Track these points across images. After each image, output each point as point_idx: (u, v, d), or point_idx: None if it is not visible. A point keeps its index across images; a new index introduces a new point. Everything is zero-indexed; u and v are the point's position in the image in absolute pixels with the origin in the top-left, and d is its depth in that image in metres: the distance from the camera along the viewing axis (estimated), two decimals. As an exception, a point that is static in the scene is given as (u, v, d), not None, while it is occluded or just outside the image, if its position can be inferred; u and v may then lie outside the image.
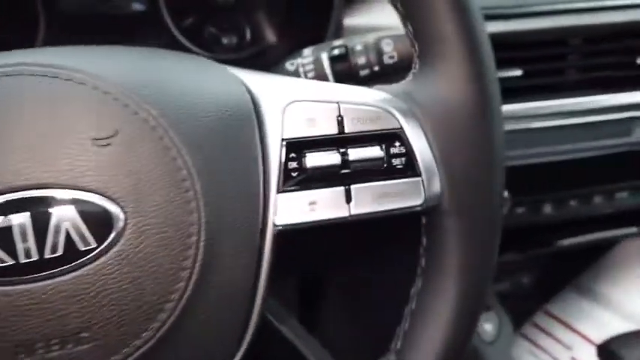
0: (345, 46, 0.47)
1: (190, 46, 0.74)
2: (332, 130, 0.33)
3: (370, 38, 0.47)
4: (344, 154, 0.33)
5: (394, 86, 0.35)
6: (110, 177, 0.27)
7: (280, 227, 0.32)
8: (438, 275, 0.35)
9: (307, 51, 0.49)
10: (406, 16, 0.34)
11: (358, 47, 0.47)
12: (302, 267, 0.34)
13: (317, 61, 0.48)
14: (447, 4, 0.33)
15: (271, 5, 0.75)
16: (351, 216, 0.33)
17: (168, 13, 0.73)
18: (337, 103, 0.33)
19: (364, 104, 0.33)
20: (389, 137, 0.33)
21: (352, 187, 0.33)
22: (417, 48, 0.35)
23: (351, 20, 0.63)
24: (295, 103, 0.33)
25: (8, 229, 0.26)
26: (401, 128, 0.33)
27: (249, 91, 0.34)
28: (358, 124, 0.33)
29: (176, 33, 0.73)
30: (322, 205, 0.33)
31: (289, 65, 0.49)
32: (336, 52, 0.47)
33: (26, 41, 0.69)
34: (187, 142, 0.30)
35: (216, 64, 0.37)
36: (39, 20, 0.69)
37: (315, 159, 0.33)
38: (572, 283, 1.00)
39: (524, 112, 0.65)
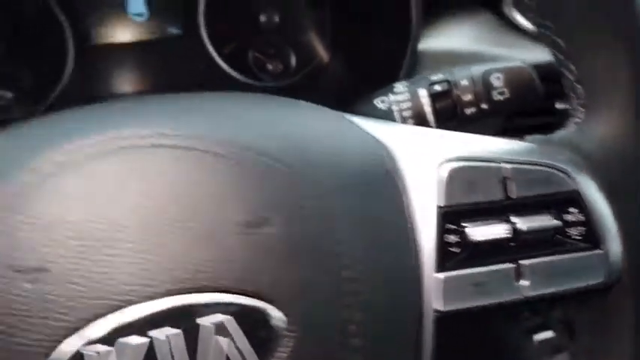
0: (448, 81, 0.42)
1: (233, 74, 0.68)
2: (495, 195, 0.28)
3: (476, 71, 0.42)
4: (511, 224, 0.28)
5: (555, 138, 0.30)
6: (271, 273, 0.21)
7: (442, 313, 0.26)
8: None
9: (400, 86, 0.43)
10: (570, 56, 0.29)
11: (463, 82, 0.42)
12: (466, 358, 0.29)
13: (414, 98, 0.42)
14: (626, 44, 0.28)
15: (320, 23, 0.69)
16: (525, 297, 0.27)
17: (209, 37, 0.67)
18: (499, 162, 0.28)
19: (531, 163, 0.28)
20: (564, 202, 0.28)
21: (522, 262, 0.28)
22: (579, 93, 0.30)
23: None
24: (449, 163, 0.27)
25: (151, 350, 0.20)
26: (577, 190, 0.28)
27: (388, 149, 0.28)
28: (526, 188, 0.28)
29: (218, 59, 0.67)
30: (489, 286, 0.27)
31: (379, 103, 0.43)
32: (437, 87, 0.42)
33: (55, 71, 0.63)
34: (344, 222, 0.24)
35: (335, 114, 0.31)
36: (68, 49, 0.63)
37: (478, 231, 0.27)
38: None
39: None
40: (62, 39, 0.62)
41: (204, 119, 0.26)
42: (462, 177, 0.27)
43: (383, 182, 0.26)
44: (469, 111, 0.42)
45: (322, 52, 0.69)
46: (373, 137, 0.29)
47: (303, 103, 0.32)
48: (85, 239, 0.20)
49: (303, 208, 0.23)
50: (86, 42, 0.63)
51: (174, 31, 0.66)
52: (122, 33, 0.64)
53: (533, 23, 0.29)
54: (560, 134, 0.30)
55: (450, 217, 0.27)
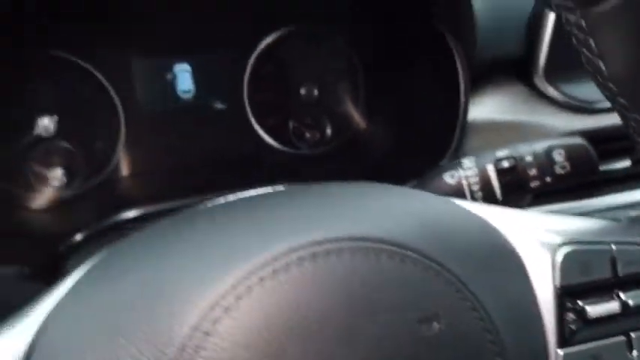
0: (514, 157, 0.45)
1: (274, 144, 0.71)
2: (605, 274, 0.30)
3: (539, 147, 0.45)
4: (620, 300, 0.30)
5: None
6: None
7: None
8: None
9: (468, 162, 0.46)
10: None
11: (528, 158, 0.45)
12: None
13: (483, 173, 0.46)
14: None
15: (356, 94, 0.73)
16: (637, 368, 0.30)
17: (252, 111, 0.70)
18: (608, 243, 0.30)
19: (633, 243, 0.31)
20: (665, 276, 0.31)
21: (632, 335, 0.30)
22: None
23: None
24: (564, 247, 0.30)
25: None
26: None
27: (502, 232, 0.31)
28: (631, 265, 0.31)
29: (260, 131, 0.70)
30: (605, 358, 0.29)
31: (449, 178, 0.46)
32: (504, 164, 0.45)
33: (107, 148, 0.65)
34: (496, 318, 0.26)
35: (445, 200, 0.34)
36: (119, 126, 0.65)
37: (592, 308, 0.30)
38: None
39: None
40: (114, 116, 0.64)
41: (368, 218, 0.28)
42: (576, 259, 0.30)
43: (514, 265, 0.29)
44: (534, 184, 0.46)
45: (358, 121, 0.73)
46: (488, 222, 0.31)
47: (409, 191, 0.35)
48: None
49: (460, 300, 0.25)
50: (137, 119, 0.65)
51: (219, 106, 0.69)
52: (171, 109, 0.67)
53: (607, 99, 0.32)
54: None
55: (567, 296, 0.30)
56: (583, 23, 0.29)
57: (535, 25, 0.61)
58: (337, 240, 0.25)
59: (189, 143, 0.68)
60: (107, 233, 0.55)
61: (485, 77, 0.64)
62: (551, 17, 0.59)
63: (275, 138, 0.71)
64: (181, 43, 0.66)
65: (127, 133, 0.65)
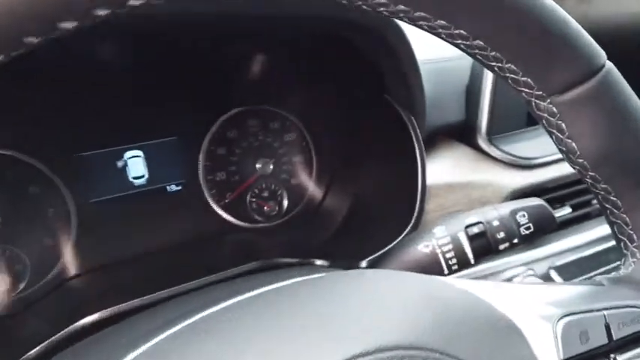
0: (482, 223, 0.48)
1: (234, 221, 0.70)
2: (602, 339, 0.32)
3: (504, 211, 0.48)
4: (616, 361, 0.32)
5: (625, 278, 0.36)
6: None
7: None
8: None
9: (440, 230, 0.48)
10: (627, 211, 0.35)
11: (495, 223, 0.48)
12: None
13: (455, 241, 0.48)
14: None
15: (310, 166, 0.74)
16: None
17: (209, 191, 0.69)
18: (601, 310, 0.33)
19: (627, 306, 0.33)
20: (654, 334, 0.33)
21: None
22: (635, 239, 0.36)
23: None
24: (565, 318, 0.32)
25: None
26: None
27: (507, 312, 0.32)
28: (625, 328, 0.33)
29: (219, 210, 0.69)
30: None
31: (424, 247, 0.48)
32: (475, 230, 0.48)
33: (60, 238, 0.61)
34: None
35: (441, 281, 0.35)
36: (70, 217, 0.61)
37: (593, 375, 0.31)
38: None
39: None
40: (64, 211, 0.61)
41: (401, 323, 0.28)
42: (574, 330, 0.32)
43: (520, 342, 0.30)
44: (502, 246, 0.48)
45: (314, 193, 0.74)
46: (494, 306, 0.32)
47: (402, 275, 0.36)
48: None
49: None
50: (89, 211, 0.62)
51: (174, 188, 0.67)
52: (124, 197, 0.64)
53: (579, 173, 0.36)
54: (627, 273, 0.36)
55: (571, 366, 0.31)
56: (554, 109, 0.32)
57: (473, 92, 0.66)
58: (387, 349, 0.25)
59: (147, 230, 0.65)
60: (65, 344, 0.50)
61: (430, 142, 0.68)
62: (488, 86, 0.65)
63: (234, 215, 0.71)
64: (131, 130, 0.64)
65: (79, 226, 0.61)
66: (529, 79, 0.31)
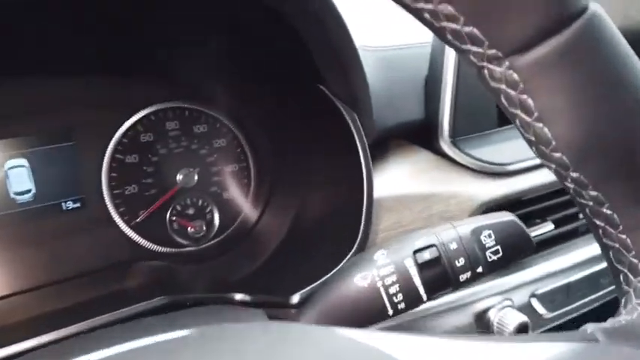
0: (435, 246, 0.36)
1: (149, 245, 0.58)
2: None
3: (464, 231, 0.37)
4: None
5: (622, 328, 0.24)
6: None
7: None
8: None
9: (380, 257, 0.37)
10: (627, 230, 0.24)
11: (453, 246, 0.36)
12: None
13: (401, 270, 0.36)
14: None
15: (245, 176, 0.62)
16: None
17: (116, 208, 0.56)
18: None
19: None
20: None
21: None
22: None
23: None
24: None
25: None
26: None
27: None
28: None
29: (128, 231, 0.57)
30: None
31: (361, 280, 0.36)
32: (426, 255, 0.36)
33: None
34: None
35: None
36: None
37: None
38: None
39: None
40: None
41: None
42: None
43: None
44: (463, 277, 0.37)
45: (249, 211, 0.62)
46: None
47: (307, 331, 0.24)
48: None
49: None
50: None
51: (70, 205, 0.55)
52: (4, 217, 0.52)
53: (556, 175, 0.24)
54: (630, 321, 0.25)
55: None
56: (515, 76, 0.21)
57: (433, 85, 0.55)
58: None
59: (38, 258, 0.53)
60: None
61: (383, 145, 0.57)
62: (450, 78, 0.53)
63: (148, 237, 0.58)
64: (11, 133, 0.52)
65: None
66: (475, 31, 0.20)
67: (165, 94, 0.59)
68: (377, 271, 0.36)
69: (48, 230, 0.54)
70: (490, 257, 0.36)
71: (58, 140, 0.54)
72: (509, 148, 0.57)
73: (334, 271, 0.43)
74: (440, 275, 0.36)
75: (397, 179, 0.54)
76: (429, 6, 0.20)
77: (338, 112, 0.49)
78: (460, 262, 0.36)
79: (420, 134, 0.58)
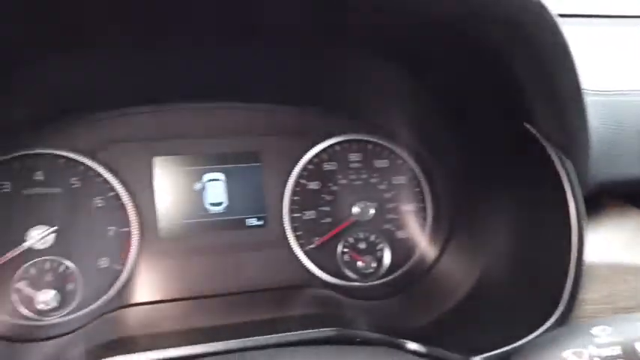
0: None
1: (318, 273, 0.57)
2: None
3: None
4: None
5: None
6: None
7: None
8: None
9: (604, 334, 0.30)
10: None
11: None
12: None
13: (629, 355, 0.29)
14: None
15: (423, 215, 0.59)
16: None
17: (294, 231, 0.57)
18: None
19: None
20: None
21: None
22: None
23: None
24: None
25: None
26: None
27: None
28: None
29: (301, 256, 0.57)
30: None
31: (572, 357, 0.30)
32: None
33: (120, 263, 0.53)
34: None
35: None
36: (132, 241, 0.54)
37: None
38: None
39: None
40: (126, 237, 0.54)
41: None
42: None
43: None
44: None
45: (425, 250, 0.58)
46: None
47: None
48: None
49: None
50: (154, 239, 0.54)
51: (253, 222, 0.57)
52: (199, 224, 0.56)
53: None
54: None
55: None
56: None
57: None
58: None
59: (216, 266, 0.55)
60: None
61: (596, 202, 0.49)
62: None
63: (319, 265, 0.57)
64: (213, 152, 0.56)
65: (141, 257, 0.53)
66: None
67: (348, 126, 0.60)
68: (596, 350, 0.30)
69: (230, 243, 0.57)
70: None
71: (248, 160, 0.57)
72: None
73: (528, 338, 0.37)
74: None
75: (611, 245, 0.46)
76: None
77: (545, 157, 0.43)
78: None
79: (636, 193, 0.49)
